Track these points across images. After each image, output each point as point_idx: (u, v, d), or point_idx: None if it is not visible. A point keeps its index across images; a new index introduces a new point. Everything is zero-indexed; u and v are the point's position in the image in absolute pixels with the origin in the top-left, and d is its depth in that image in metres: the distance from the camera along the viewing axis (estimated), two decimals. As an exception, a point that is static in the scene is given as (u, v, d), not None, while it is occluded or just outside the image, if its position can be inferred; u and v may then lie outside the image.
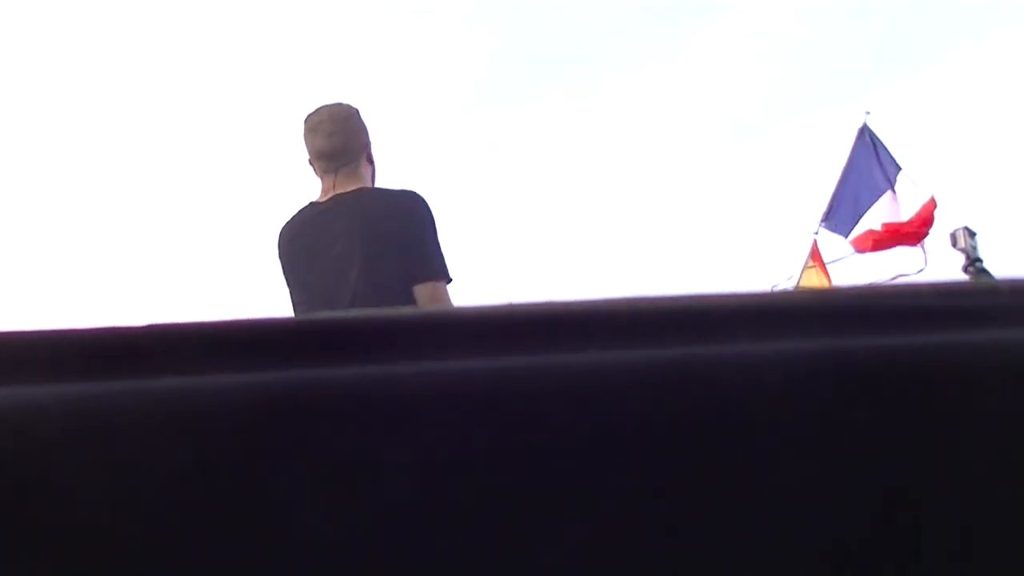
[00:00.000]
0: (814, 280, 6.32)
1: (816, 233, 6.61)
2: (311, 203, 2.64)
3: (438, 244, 2.51)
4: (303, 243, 2.58)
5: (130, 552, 0.43)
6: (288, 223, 2.66)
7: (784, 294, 0.56)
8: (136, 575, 0.42)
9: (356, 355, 0.47)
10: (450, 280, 2.49)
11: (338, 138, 2.62)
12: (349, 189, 2.57)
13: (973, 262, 6.34)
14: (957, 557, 0.47)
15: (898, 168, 6.47)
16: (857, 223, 6.43)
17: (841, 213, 6.53)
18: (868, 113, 6.79)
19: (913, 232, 6.30)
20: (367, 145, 2.69)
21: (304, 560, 0.44)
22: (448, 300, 2.48)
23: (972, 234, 6.47)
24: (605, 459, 0.47)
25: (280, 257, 2.65)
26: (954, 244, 6.49)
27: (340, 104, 2.70)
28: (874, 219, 6.39)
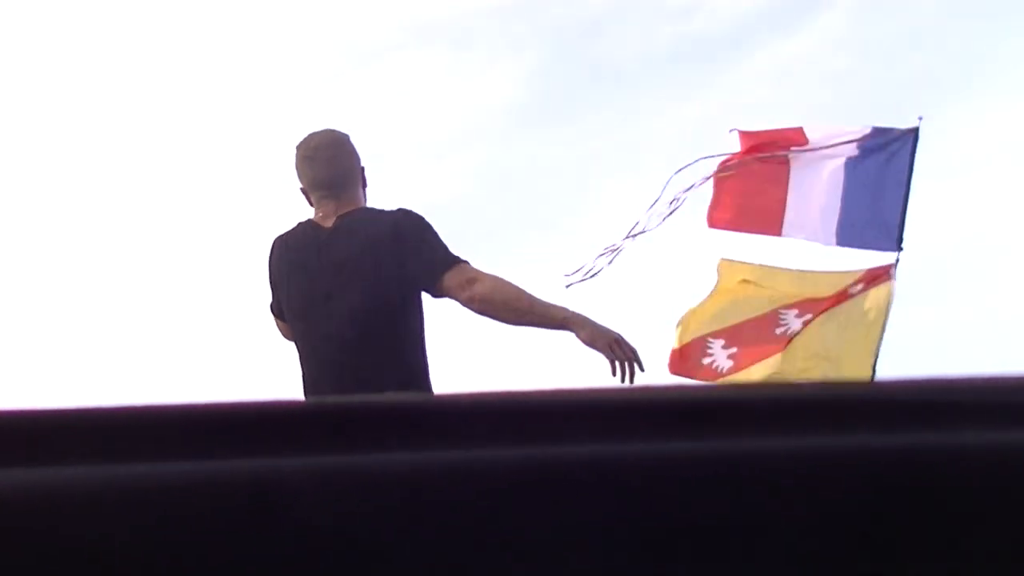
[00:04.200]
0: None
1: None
2: (310, 221, 2.62)
3: (441, 240, 2.55)
4: (303, 262, 2.56)
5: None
6: (284, 237, 2.65)
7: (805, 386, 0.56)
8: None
9: (356, 441, 0.47)
10: (465, 261, 2.50)
11: (338, 165, 2.63)
12: (350, 210, 2.58)
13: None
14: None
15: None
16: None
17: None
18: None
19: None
20: (363, 169, 2.70)
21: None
22: (479, 271, 2.50)
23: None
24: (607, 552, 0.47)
25: (271, 268, 2.64)
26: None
27: (332, 130, 2.68)
28: None
